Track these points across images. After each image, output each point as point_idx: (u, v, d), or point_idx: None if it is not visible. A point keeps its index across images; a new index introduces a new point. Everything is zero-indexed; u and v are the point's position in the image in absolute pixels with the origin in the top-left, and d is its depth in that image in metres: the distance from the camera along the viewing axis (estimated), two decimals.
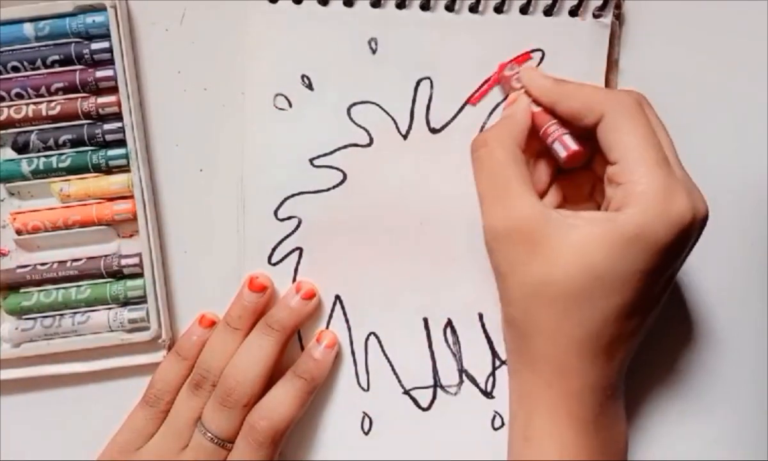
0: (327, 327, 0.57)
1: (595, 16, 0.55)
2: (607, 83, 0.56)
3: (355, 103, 0.56)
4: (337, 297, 0.57)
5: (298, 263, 0.57)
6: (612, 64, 0.56)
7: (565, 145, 0.49)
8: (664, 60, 0.57)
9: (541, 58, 0.55)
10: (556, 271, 0.45)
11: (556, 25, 0.55)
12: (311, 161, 0.56)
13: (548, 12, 0.55)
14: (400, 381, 0.58)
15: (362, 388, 0.58)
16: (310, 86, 0.56)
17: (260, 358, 0.53)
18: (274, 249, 0.57)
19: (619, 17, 0.56)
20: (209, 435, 0.52)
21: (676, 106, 0.57)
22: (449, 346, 0.57)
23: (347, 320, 0.57)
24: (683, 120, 0.57)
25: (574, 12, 0.55)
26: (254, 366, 0.53)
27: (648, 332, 0.48)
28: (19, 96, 0.55)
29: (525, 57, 0.55)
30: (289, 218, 0.56)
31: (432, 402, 0.58)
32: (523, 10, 0.55)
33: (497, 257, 0.49)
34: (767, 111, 0.57)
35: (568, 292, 0.45)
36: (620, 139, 0.46)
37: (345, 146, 0.56)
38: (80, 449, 0.57)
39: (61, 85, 0.55)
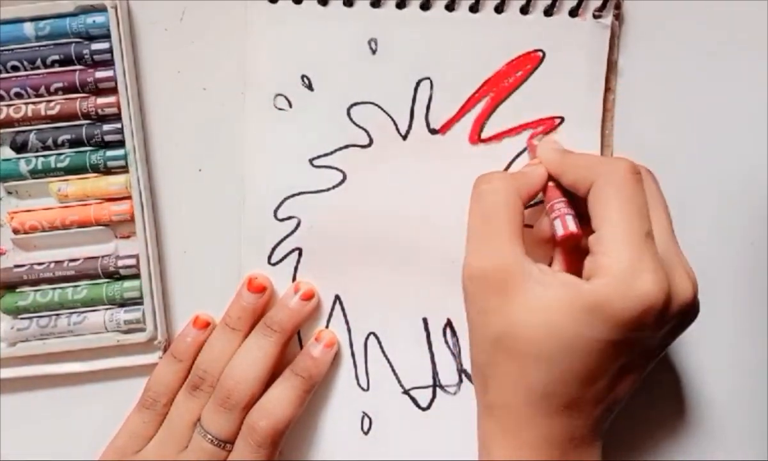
0: (327, 327, 0.57)
1: (595, 17, 0.55)
2: (607, 84, 0.56)
3: (354, 104, 0.56)
4: (337, 297, 0.57)
5: (298, 263, 0.57)
6: (612, 64, 0.56)
7: (564, 224, 0.49)
8: (663, 61, 0.57)
9: (542, 59, 0.55)
10: (520, 325, 0.45)
11: (555, 25, 0.55)
12: (311, 161, 0.56)
13: (548, 12, 0.55)
14: (399, 381, 0.58)
15: (362, 388, 0.58)
16: (310, 86, 0.56)
17: (260, 359, 0.53)
18: (273, 249, 0.57)
19: (618, 17, 0.56)
20: (209, 436, 0.52)
21: (676, 107, 0.57)
22: (449, 346, 0.57)
23: (347, 320, 0.57)
24: (683, 120, 0.57)
25: (573, 12, 0.55)
26: (254, 367, 0.53)
27: (630, 394, 0.48)
28: (19, 95, 0.55)
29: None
30: (289, 218, 0.56)
31: (431, 401, 0.58)
32: (523, 10, 0.55)
33: (469, 299, 0.48)
34: (767, 110, 0.57)
35: (529, 347, 0.44)
36: (600, 208, 0.45)
37: (345, 147, 0.56)
38: (76, 449, 0.58)
39: (60, 85, 0.55)
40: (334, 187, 0.56)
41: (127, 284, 0.56)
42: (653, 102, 0.57)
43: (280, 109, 0.56)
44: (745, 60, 0.57)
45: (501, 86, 0.56)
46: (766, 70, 0.57)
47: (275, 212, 0.56)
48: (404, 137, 0.56)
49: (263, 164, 0.56)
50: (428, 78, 0.56)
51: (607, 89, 0.56)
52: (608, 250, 0.44)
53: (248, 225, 0.56)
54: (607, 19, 0.55)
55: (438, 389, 0.57)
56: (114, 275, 0.56)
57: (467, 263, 0.48)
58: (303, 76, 0.56)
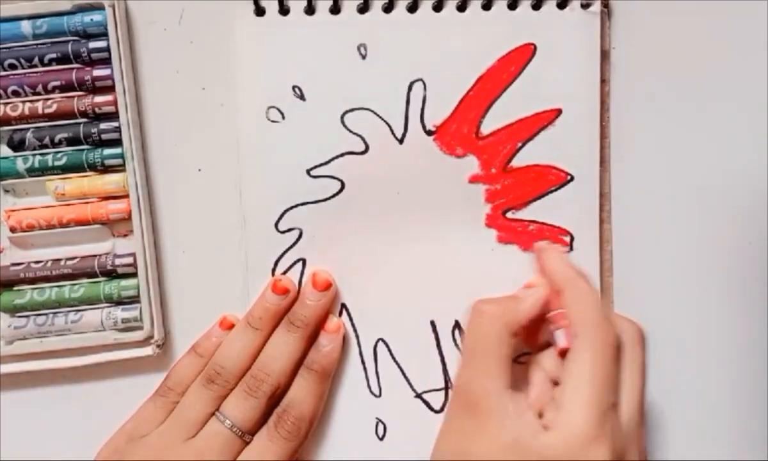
0: None
1: (583, 7, 0.55)
2: (601, 74, 0.56)
3: (348, 111, 0.56)
4: (343, 306, 0.57)
5: (302, 274, 0.56)
6: (604, 54, 0.56)
7: (568, 336, 0.49)
8: (655, 49, 0.57)
9: (533, 52, 0.56)
10: (476, 450, 0.47)
11: (544, 18, 0.56)
12: (308, 171, 0.56)
13: (536, 6, 0.56)
14: (411, 385, 0.57)
15: (374, 394, 0.57)
16: (301, 97, 0.56)
17: (286, 353, 0.53)
18: (277, 262, 0.56)
19: (607, 6, 0.56)
20: (228, 422, 0.52)
21: (669, 97, 0.58)
22: (458, 347, 0.57)
23: (355, 329, 0.57)
24: (676, 111, 0.57)
25: (561, 4, 0.56)
26: (281, 359, 0.53)
27: None
28: (16, 93, 0.55)
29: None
30: (290, 230, 0.56)
31: (444, 403, 0.57)
32: (511, 5, 0.56)
33: (447, 410, 0.51)
34: (765, 101, 0.57)
35: None
36: (575, 366, 0.47)
37: (341, 155, 0.56)
38: (71, 449, 0.57)
39: (58, 83, 0.55)
40: (333, 196, 0.56)
41: (124, 282, 0.56)
42: (645, 92, 0.57)
43: (273, 121, 0.56)
44: (740, 49, 0.58)
45: (495, 82, 0.56)
46: (761, 58, 0.57)
47: (276, 224, 0.56)
48: (400, 141, 0.56)
49: (261, 178, 0.56)
50: (421, 79, 0.56)
51: (602, 80, 0.56)
52: (572, 411, 0.46)
53: (250, 239, 0.56)
54: (595, 7, 0.56)
55: (450, 391, 0.57)
56: (111, 274, 0.56)
57: (456, 379, 0.51)
58: (294, 87, 0.56)
